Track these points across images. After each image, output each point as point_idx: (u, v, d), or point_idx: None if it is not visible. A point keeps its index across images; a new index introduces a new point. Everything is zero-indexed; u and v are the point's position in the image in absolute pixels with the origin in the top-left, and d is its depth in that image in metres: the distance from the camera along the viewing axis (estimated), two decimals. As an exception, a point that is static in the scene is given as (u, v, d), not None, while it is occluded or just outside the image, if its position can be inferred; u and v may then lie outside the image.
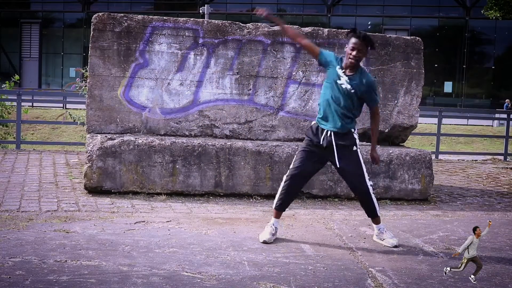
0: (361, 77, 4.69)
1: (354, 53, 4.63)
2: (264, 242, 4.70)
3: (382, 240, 4.86)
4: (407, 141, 7.69)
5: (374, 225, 4.94)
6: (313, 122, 4.92)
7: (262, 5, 33.65)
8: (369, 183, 4.81)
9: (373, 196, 4.82)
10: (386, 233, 4.89)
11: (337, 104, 4.70)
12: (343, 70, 4.70)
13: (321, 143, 4.73)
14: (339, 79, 4.69)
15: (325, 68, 4.85)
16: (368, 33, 4.77)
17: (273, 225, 4.83)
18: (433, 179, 6.85)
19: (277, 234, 4.84)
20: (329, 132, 4.70)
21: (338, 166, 4.75)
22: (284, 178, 4.84)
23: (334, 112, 4.71)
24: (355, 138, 4.78)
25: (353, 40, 4.66)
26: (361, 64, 4.96)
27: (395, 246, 4.77)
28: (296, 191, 4.94)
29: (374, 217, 4.90)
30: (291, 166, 4.83)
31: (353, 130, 4.78)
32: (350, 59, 4.66)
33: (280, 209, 4.87)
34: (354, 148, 4.77)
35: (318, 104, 4.91)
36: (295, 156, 4.88)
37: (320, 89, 6.88)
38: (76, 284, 3.58)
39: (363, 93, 4.70)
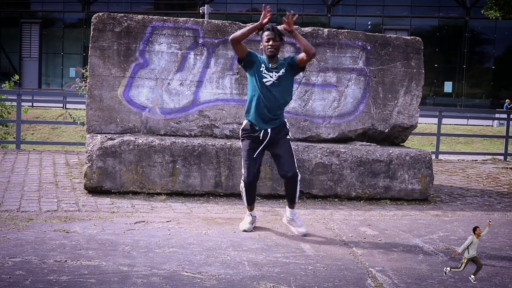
0: (284, 62, 5.04)
1: (270, 43, 4.93)
2: (244, 231, 5.03)
3: (291, 226, 5.14)
4: (407, 141, 7.69)
5: (288, 209, 5.18)
6: (245, 121, 5.12)
7: (262, 5, 33.74)
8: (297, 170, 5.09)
9: (299, 183, 5.08)
10: (297, 220, 5.14)
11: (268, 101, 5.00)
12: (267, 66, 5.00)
13: (261, 138, 5.05)
14: (265, 77, 4.99)
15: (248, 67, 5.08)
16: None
17: (251, 215, 5.18)
18: (433, 179, 6.85)
19: (256, 222, 5.21)
20: (268, 130, 5.02)
21: (276, 153, 5.08)
22: (242, 183, 5.11)
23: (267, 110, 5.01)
24: (288, 129, 5.14)
25: (266, 33, 4.97)
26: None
27: (304, 235, 4.99)
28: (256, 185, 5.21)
29: (294, 203, 5.16)
30: (244, 170, 5.06)
31: (285, 122, 5.15)
32: (269, 49, 4.95)
33: (252, 203, 5.19)
34: (288, 137, 5.11)
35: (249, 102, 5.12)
36: (243, 158, 5.08)
37: (320, 89, 6.95)
38: (76, 284, 3.58)
39: (292, 69, 5.05)
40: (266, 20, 4.93)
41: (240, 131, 5.17)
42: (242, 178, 5.08)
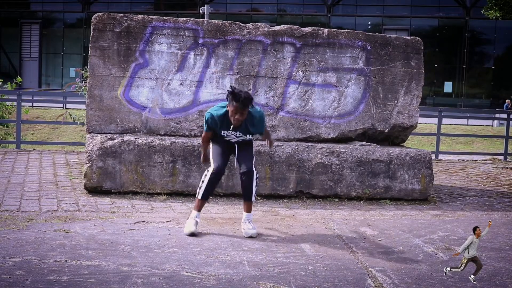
0: (246, 122, 4.90)
1: (237, 116, 4.80)
2: (192, 234, 4.80)
3: (243, 229, 4.97)
4: (407, 141, 7.69)
5: (244, 213, 5.03)
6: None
7: (262, 5, 33.74)
8: (255, 168, 5.01)
9: (255, 180, 4.99)
10: (250, 223, 4.98)
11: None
12: (231, 130, 4.97)
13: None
14: (227, 136, 5.02)
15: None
16: (247, 94, 4.82)
17: (196, 217, 4.94)
18: (433, 179, 6.85)
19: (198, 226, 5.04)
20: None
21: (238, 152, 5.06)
22: (209, 172, 4.94)
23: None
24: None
25: (234, 103, 4.77)
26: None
27: (250, 237, 4.86)
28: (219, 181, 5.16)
29: (249, 201, 5.03)
30: (212, 162, 5.00)
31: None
32: (235, 121, 4.85)
33: (205, 199, 5.03)
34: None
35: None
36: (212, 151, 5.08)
37: (320, 89, 6.95)
38: (76, 284, 3.58)
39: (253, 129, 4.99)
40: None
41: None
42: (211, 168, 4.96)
